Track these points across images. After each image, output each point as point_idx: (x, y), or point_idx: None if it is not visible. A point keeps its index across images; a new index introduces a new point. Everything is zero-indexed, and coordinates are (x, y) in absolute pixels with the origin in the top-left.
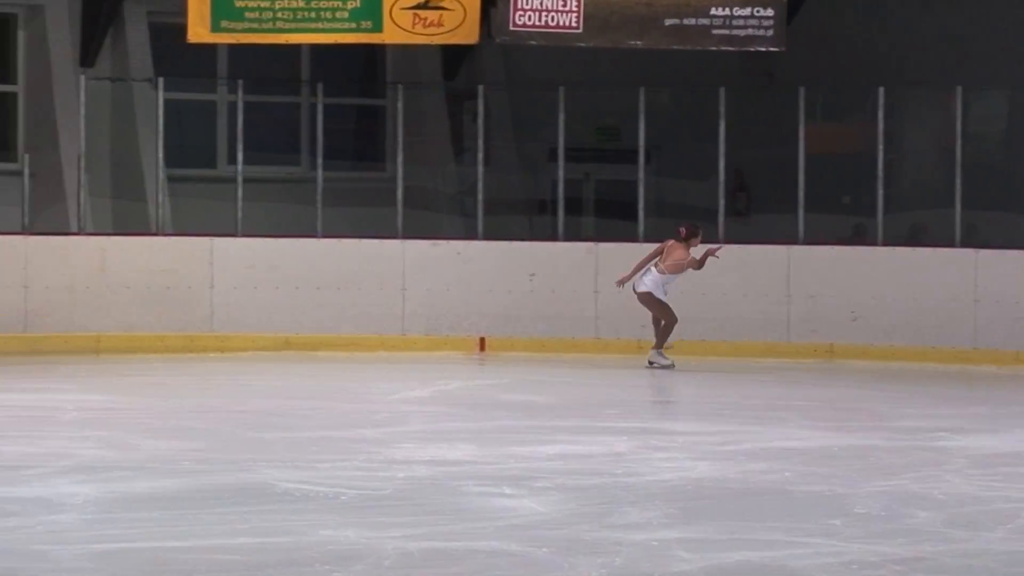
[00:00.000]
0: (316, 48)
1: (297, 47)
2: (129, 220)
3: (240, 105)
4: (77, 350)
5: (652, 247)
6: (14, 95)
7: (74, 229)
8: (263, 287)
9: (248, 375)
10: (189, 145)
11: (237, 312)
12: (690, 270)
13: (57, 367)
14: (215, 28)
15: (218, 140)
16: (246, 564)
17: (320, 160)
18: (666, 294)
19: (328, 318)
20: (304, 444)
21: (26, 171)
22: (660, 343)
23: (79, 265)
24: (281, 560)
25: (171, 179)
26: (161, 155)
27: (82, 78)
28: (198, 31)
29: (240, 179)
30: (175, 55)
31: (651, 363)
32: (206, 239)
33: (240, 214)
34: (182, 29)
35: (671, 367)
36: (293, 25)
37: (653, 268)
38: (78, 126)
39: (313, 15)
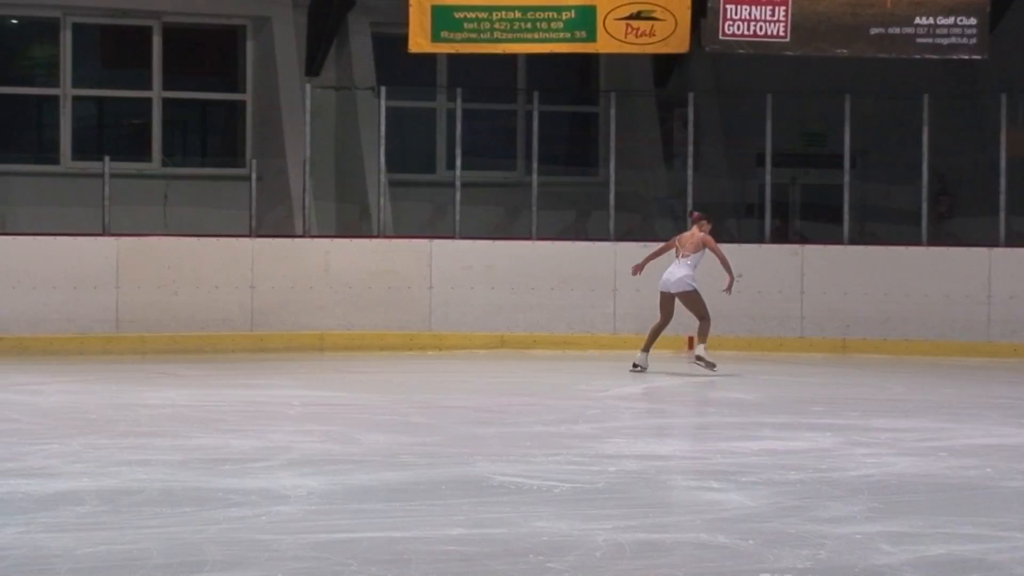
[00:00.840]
0: (532, 57)
1: (514, 56)
2: (352, 223)
3: (459, 112)
4: (301, 348)
5: (857, 248)
6: (242, 103)
7: (299, 232)
8: (479, 287)
9: (464, 372)
10: (409, 151)
11: (454, 311)
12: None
13: (282, 364)
14: (435, 38)
15: (437, 146)
16: (463, 554)
17: (535, 165)
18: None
19: (542, 317)
20: (519, 439)
21: (253, 176)
22: (704, 337)
23: (303, 266)
24: (496, 551)
25: (392, 183)
26: (383, 160)
27: (307, 87)
28: (419, 41)
29: (458, 183)
30: (397, 64)
31: (699, 359)
32: (425, 241)
33: (458, 217)
34: (404, 39)
35: (715, 367)
36: (510, 35)
37: (682, 262)
38: (303, 133)
39: (529, 25)
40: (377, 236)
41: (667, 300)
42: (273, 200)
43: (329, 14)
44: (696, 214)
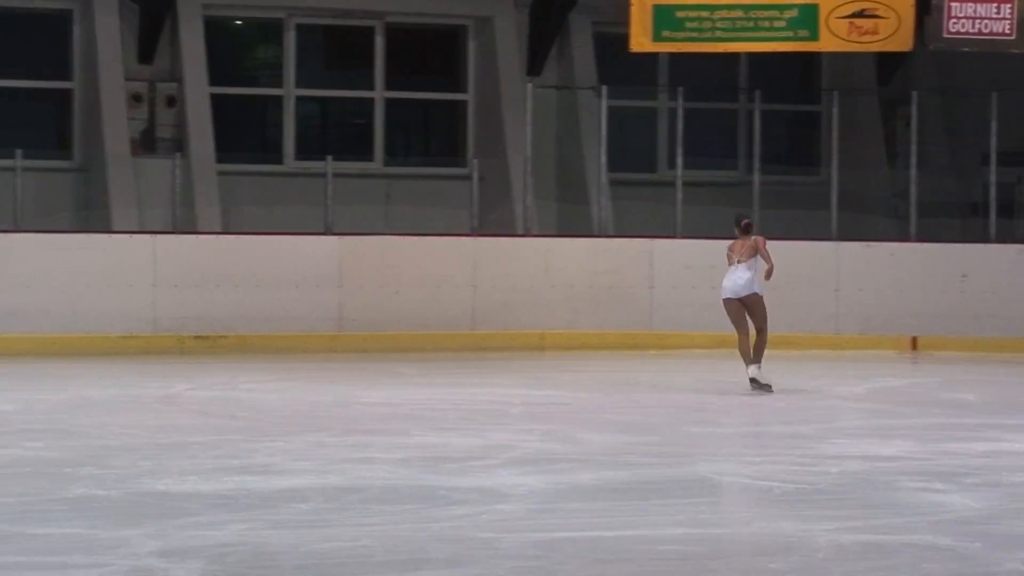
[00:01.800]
0: (753, 56)
1: (735, 55)
2: (572, 222)
3: (680, 112)
4: (522, 347)
5: None
6: (464, 103)
7: (520, 231)
8: (700, 287)
9: (685, 372)
10: (630, 150)
11: (675, 311)
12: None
13: (503, 363)
14: (656, 38)
15: (658, 145)
16: (682, 554)
17: (757, 164)
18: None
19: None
20: (739, 439)
21: (475, 176)
22: (760, 355)
23: (524, 265)
24: (716, 551)
25: (613, 183)
26: (604, 160)
27: (529, 86)
28: (640, 41)
29: (679, 183)
30: (618, 64)
31: (754, 381)
32: (646, 240)
33: (679, 216)
34: (625, 39)
35: (771, 389)
36: (731, 34)
37: (741, 267)
38: (524, 132)
39: (751, 24)
40: (598, 235)
41: (737, 310)
42: (494, 199)
43: (551, 14)
44: (747, 221)
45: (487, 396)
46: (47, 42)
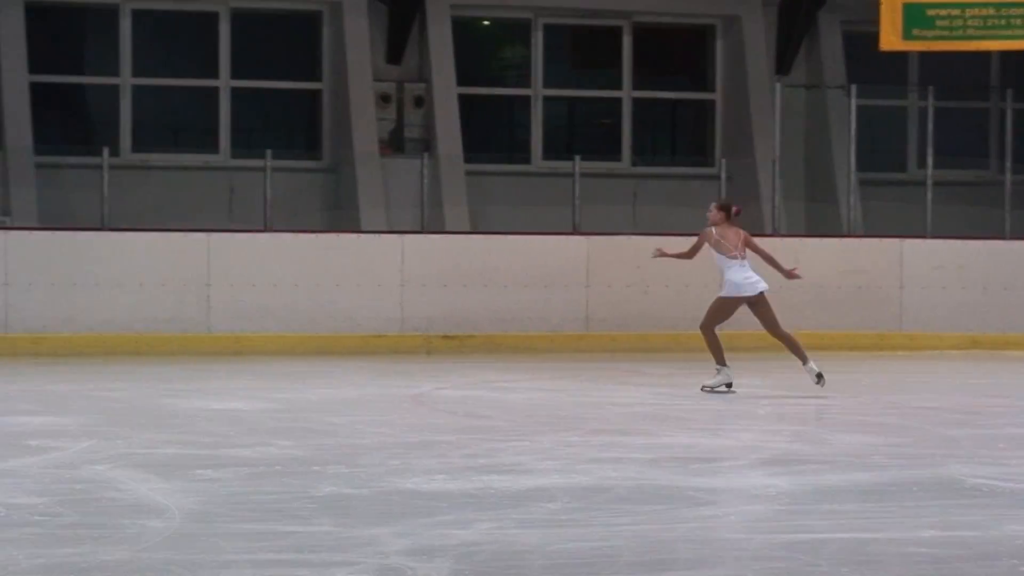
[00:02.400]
0: (1006, 54)
1: (986, 53)
2: (821, 222)
3: (930, 111)
4: (769, 347)
5: None
6: (712, 103)
7: (768, 230)
8: (951, 287)
9: (935, 373)
10: (879, 149)
11: (925, 312)
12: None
13: (750, 363)
14: (907, 36)
15: (908, 144)
16: (934, 557)
17: (1008, 163)
18: None
19: (1017, 318)
20: (992, 441)
21: (722, 175)
22: (803, 352)
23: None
24: (968, 554)
25: (862, 182)
26: (853, 159)
27: (777, 85)
28: (890, 39)
29: (929, 182)
30: (867, 62)
31: (820, 377)
32: (895, 240)
33: (929, 216)
34: (874, 37)
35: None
36: (983, 32)
37: (744, 261)
38: (773, 132)
39: (1003, 22)
40: (847, 235)
41: (732, 308)
42: (742, 199)
43: (799, 12)
44: (737, 208)
45: (734, 397)
46: (297, 43)
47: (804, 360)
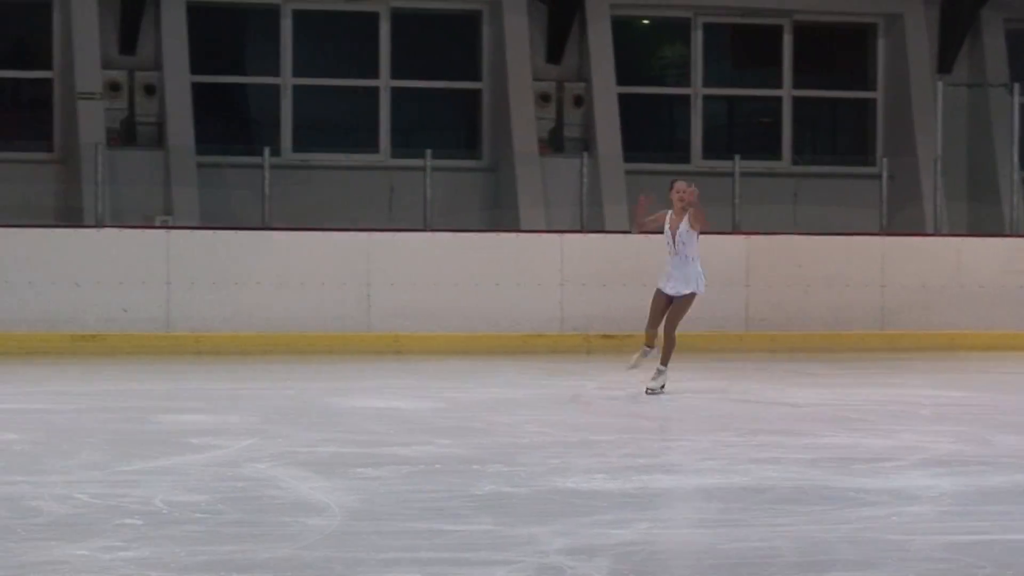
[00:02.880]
0: None
1: None
2: (984, 221)
3: None
4: (932, 347)
5: None
6: (873, 101)
7: (929, 230)
8: None
9: None
10: None
11: None
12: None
13: (913, 363)
14: None
15: None
16: None
17: None
18: None
19: None
20: None
21: (884, 174)
22: (667, 359)
23: (935, 265)
24: None
25: None
26: (1016, 158)
27: (939, 84)
28: None
29: None
30: None
31: (652, 390)
32: None
33: None
34: None
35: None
36: None
37: (695, 261)
38: (934, 131)
39: None
40: (1010, 235)
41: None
42: (903, 199)
43: (962, 10)
44: (696, 191)
45: (897, 397)
46: (457, 43)
47: (662, 362)
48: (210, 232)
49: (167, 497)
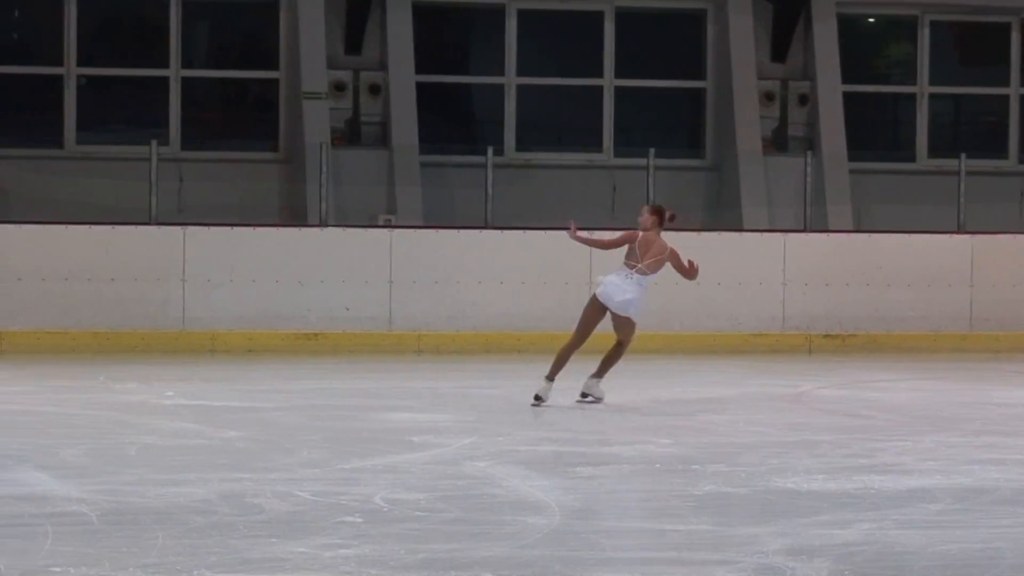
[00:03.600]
0: None
1: None
2: None
3: None
4: None
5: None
6: None
7: None
8: None
9: None
10: None
11: None
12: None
13: None
14: None
15: None
16: None
17: None
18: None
19: None
20: None
21: None
22: (606, 370)
23: None
24: None
25: None
26: None
27: None
28: None
29: None
30: None
31: (586, 395)
32: None
33: None
34: None
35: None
36: None
37: (634, 274)
38: None
39: None
40: None
41: (597, 315)
42: None
43: None
44: (670, 213)
45: None
46: (681, 42)
47: (597, 376)
48: (433, 231)
49: (387, 495)
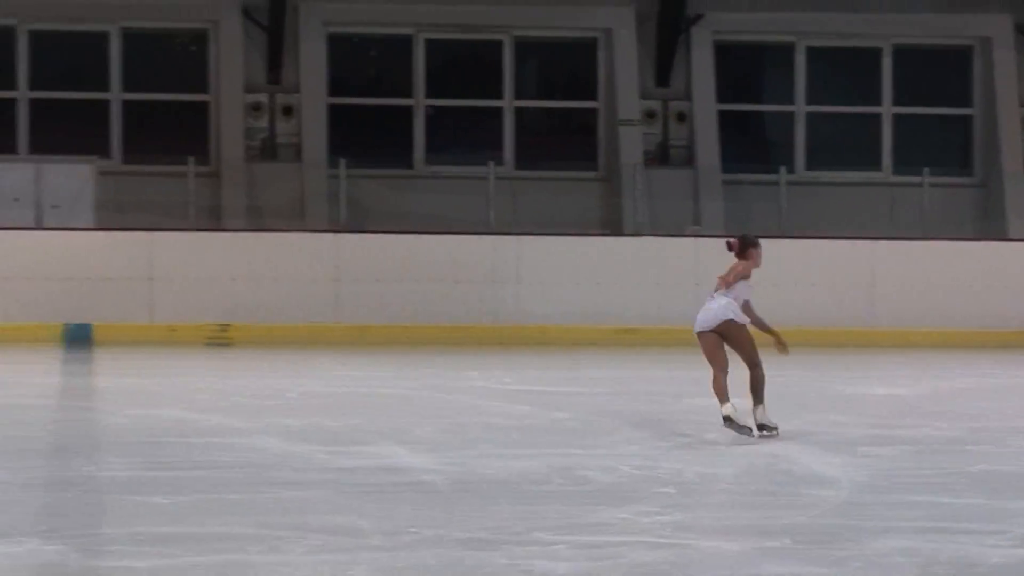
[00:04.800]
0: None
1: None
2: None
3: None
4: None
5: None
6: None
7: None
8: None
9: None
10: None
11: None
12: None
13: None
14: None
15: None
16: None
17: None
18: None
19: None
20: None
21: None
22: (762, 395)
23: None
24: None
25: None
26: None
27: None
28: None
29: None
30: None
31: (763, 427)
32: None
33: None
34: None
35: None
36: None
37: (715, 295)
38: None
39: None
40: None
41: (710, 343)
42: None
43: None
44: (736, 241)
45: None
46: (953, 74)
47: (756, 404)
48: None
49: (697, 469)
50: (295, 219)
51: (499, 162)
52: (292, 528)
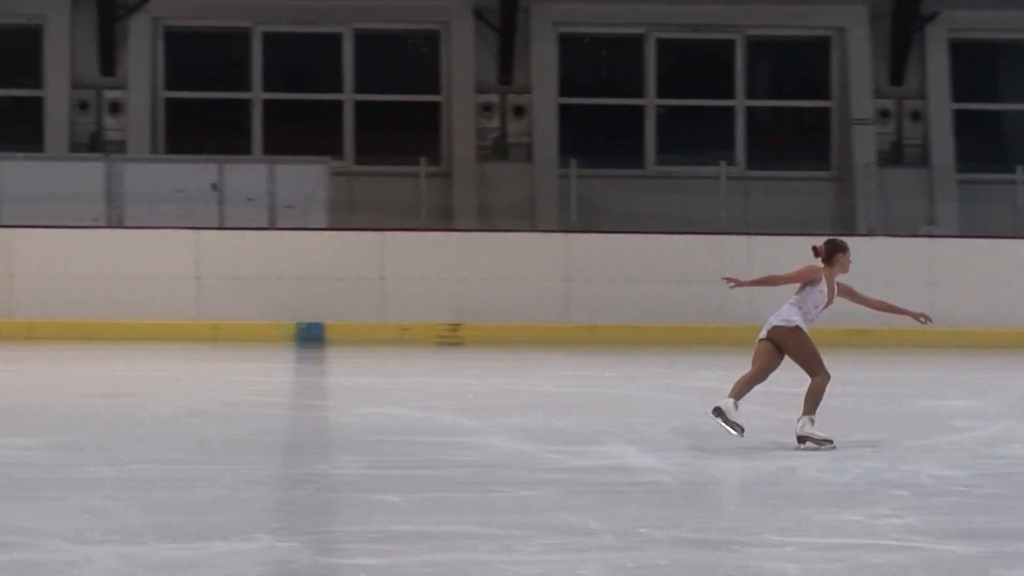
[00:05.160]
0: None
1: None
2: None
3: None
4: None
5: None
6: None
7: None
8: None
9: None
10: None
11: None
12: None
13: None
14: None
15: None
16: None
17: None
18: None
19: None
20: None
21: None
22: (813, 406)
23: None
24: None
25: None
26: None
27: None
28: None
29: None
30: None
31: (803, 439)
32: None
33: None
34: None
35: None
36: None
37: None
38: None
39: None
40: None
41: (766, 353)
42: None
43: None
44: (821, 248)
45: None
46: None
47: (809, 412)
48: (968, 240)
49: (932, 472)
50: (526, 219)
51: (730, 162)
52: (522, 527)
